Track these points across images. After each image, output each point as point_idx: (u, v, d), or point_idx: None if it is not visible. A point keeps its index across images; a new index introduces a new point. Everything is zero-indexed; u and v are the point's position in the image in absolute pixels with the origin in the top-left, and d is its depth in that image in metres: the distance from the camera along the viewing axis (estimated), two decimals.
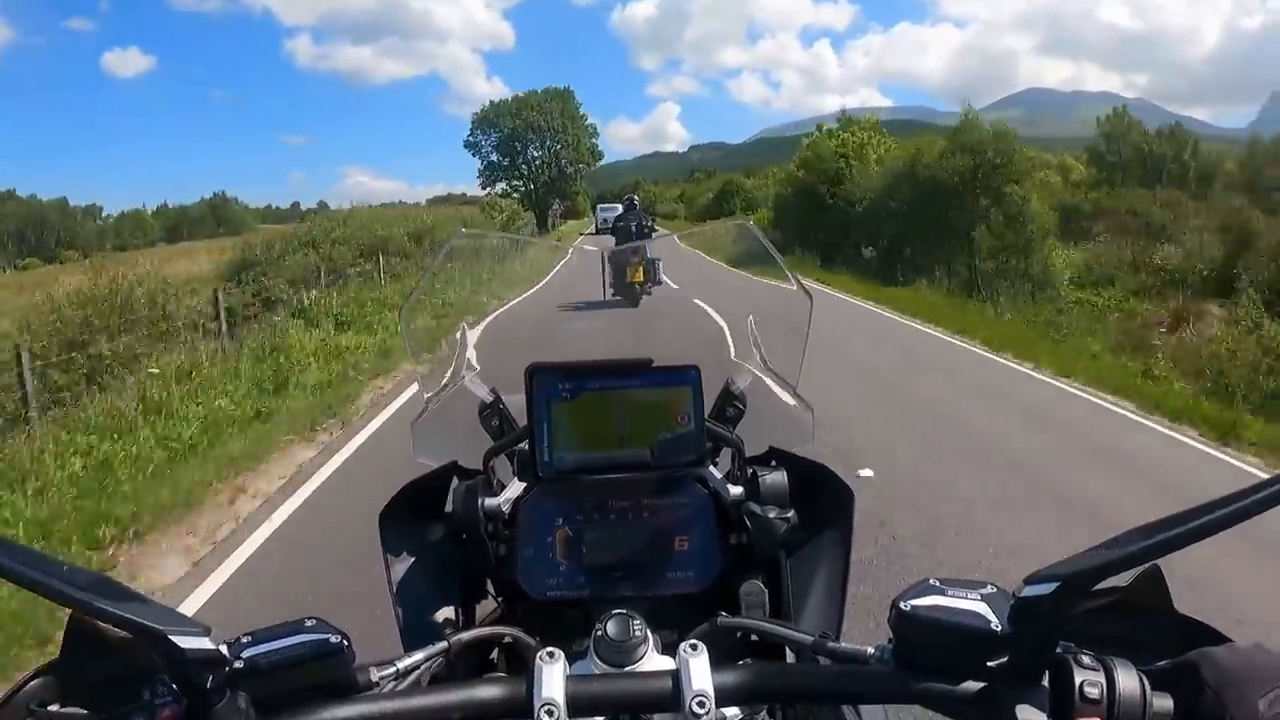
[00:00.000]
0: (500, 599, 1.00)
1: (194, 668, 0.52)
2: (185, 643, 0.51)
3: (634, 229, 11.57)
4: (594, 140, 76.32)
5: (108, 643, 0.57)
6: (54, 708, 0.58)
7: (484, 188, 73.67)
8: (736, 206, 51.70)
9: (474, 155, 75.60)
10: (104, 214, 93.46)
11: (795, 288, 1.17)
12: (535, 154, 74.71)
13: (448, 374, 1.19)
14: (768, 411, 1.12)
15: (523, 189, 72.83)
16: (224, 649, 0.54)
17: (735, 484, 0.97)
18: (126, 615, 0.50)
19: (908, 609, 0.57)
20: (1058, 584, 0.50)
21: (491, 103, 78.11)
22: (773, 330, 1.22)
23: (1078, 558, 0.51)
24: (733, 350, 1.24)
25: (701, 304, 1.65)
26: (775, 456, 1.01)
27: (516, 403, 1.04)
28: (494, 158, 75.22)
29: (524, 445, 0.99)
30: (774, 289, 1.19)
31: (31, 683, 0.58)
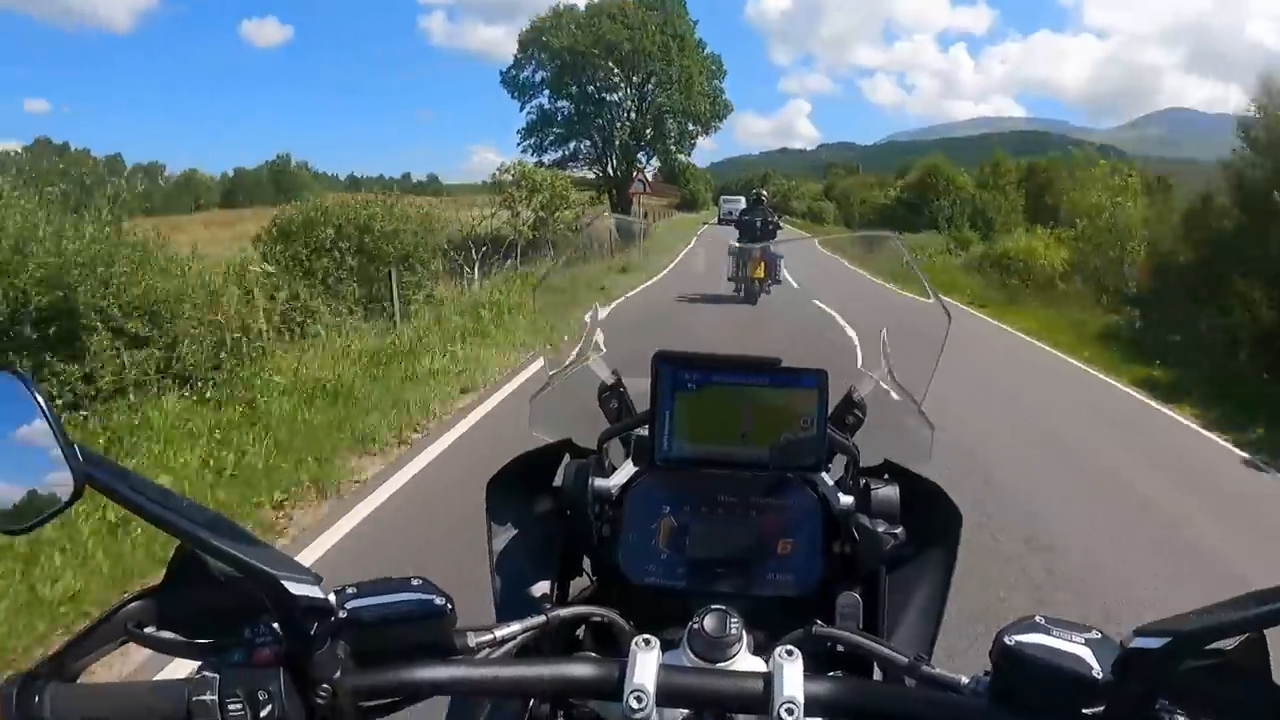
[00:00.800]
0: (594, 579, 1.01)
1: (301, 614, 0.54)
2: (296, 589, 0.53)
3: (758, 225, 11.30)
4: (718, 85, 46.75)
5: (210, 577, 0.58)
6: (150, 630, 0.60)
7: (531, 155, 43.33)
8: (953, 217, 33.26)
9: (514, 97, 44.86)
10: (165, 173, 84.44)
11: (934, 303, 1.15)
12: (614, 96, 45.62)
13: (574, 353, 1.21)
14: (887, 423, 1.11)
15: (592, 155, 45.96)
16: (332, 598, 0.56)
17: (846, 493, 0.96)
18: (242, 557, 0.52)
19: (1011, 643, 0.57)
20: (1169, 639, 0.50)
21: (554, 9, 45.93)
22: (905, 345, 1.20)
23: (1190, 615, 0.50)
24: (860, 358, 1.22)
25: (824, 307, 1.63)
26: (889, 470, 1.00)
27: (636, 387, 1.05)
28: (543, 101, 45.17)
29: (640, 431, 1.00)
30: (912, 303, 1.17)
31: (131, 604, 0.60)
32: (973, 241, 25.97)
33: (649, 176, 44.73)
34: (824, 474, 0.98)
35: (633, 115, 46.00)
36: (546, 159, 42.46)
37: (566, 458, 1.01)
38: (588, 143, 46.93)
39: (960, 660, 0.70)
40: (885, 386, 1.14)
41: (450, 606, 0.60)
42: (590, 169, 45.68)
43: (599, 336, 1.23)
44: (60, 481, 0.51)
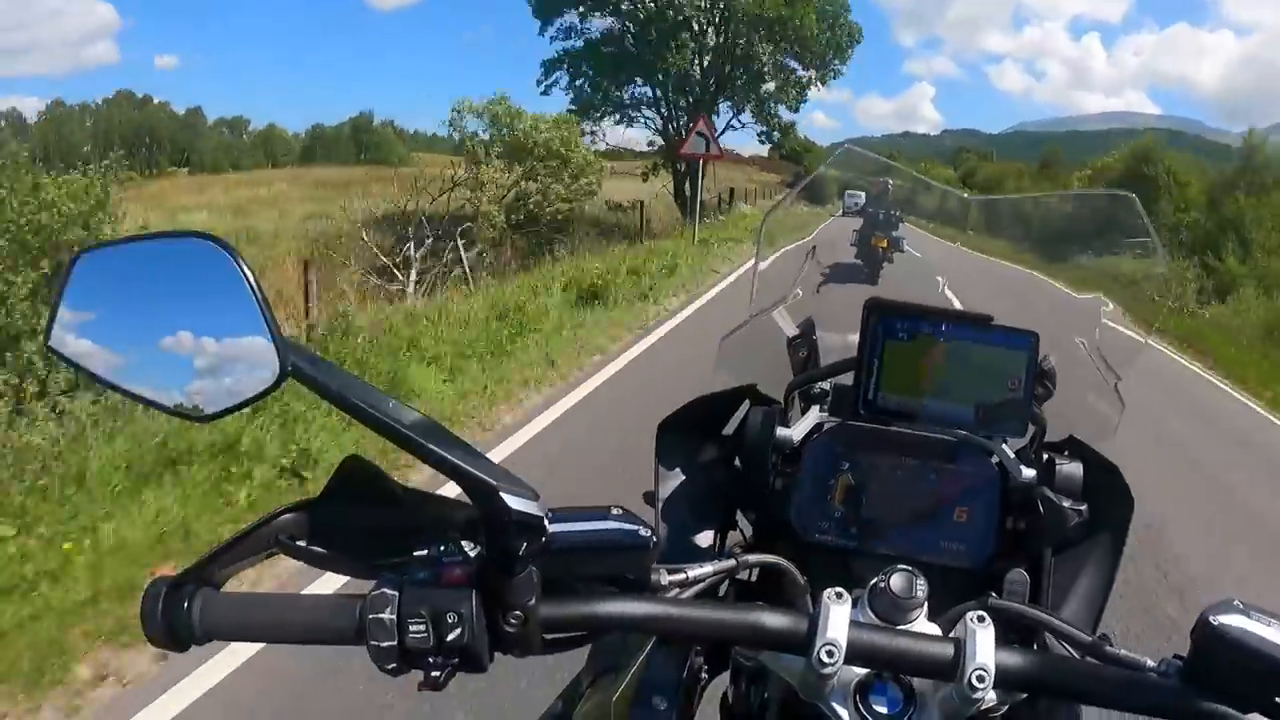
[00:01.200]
0: (748, 535, 1.00)
1: (515, 530, 0.51)
2: (514, 503, 0.51)
3: (881, 217, 10.85)
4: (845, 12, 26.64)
5: (377, 493, 0.56)
6: (303, 543, 0.58)
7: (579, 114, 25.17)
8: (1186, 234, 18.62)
9: (537, 14, 26.35)
10: (249, 128, 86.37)
11: (1159, 268, 1.10)
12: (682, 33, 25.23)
13: (774, 296, 1.19)
14: (1077, 397, 1.08)
15: (656, 107, 27.17)
16: (548, 518, 0.54)
17: (1029, 466, 0.93)
18: (458, 462, 0.50)
19: (1216, 624, 0.55)
20: None
21: None
22: (1113, 319, 1.16)
23: None
24: (1062, 327, 1.18)
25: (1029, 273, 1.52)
26: (1071, 446, 0.97)
27: (828, 339, 1.04)
28: (574, 20, 26.43)
29: (836, 381, 1.00)
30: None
31: (284, 515, 0.57)
32: (1238, 277, 15.64)
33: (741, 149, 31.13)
34: (1004, 445, 0.95)
35: (710, 40, 25.98)
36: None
37: (747, 404, 1.00)
38: (642, 87, 26.97)
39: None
40: (1090, 356, 1.11)
41: (653, 538, 0.59)
42: (647, 127, 27.63)
43: (800, 285, 1.21)
44: (261, 366, 0.49)
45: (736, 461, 0.95)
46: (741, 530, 1.00)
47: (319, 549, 0.58)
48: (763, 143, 30.41)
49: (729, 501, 0.98)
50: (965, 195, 1.86)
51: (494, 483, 0.51)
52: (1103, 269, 1.29)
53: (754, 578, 0.93)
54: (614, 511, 0.59)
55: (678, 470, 0.97)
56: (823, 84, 27.68)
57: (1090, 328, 1.14)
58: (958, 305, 1.45)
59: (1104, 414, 1.07)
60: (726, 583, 0.92)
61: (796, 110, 28.36)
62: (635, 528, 0.58)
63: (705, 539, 0.94)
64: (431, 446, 0.50)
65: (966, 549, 0.90)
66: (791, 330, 1.09)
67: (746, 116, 27.69)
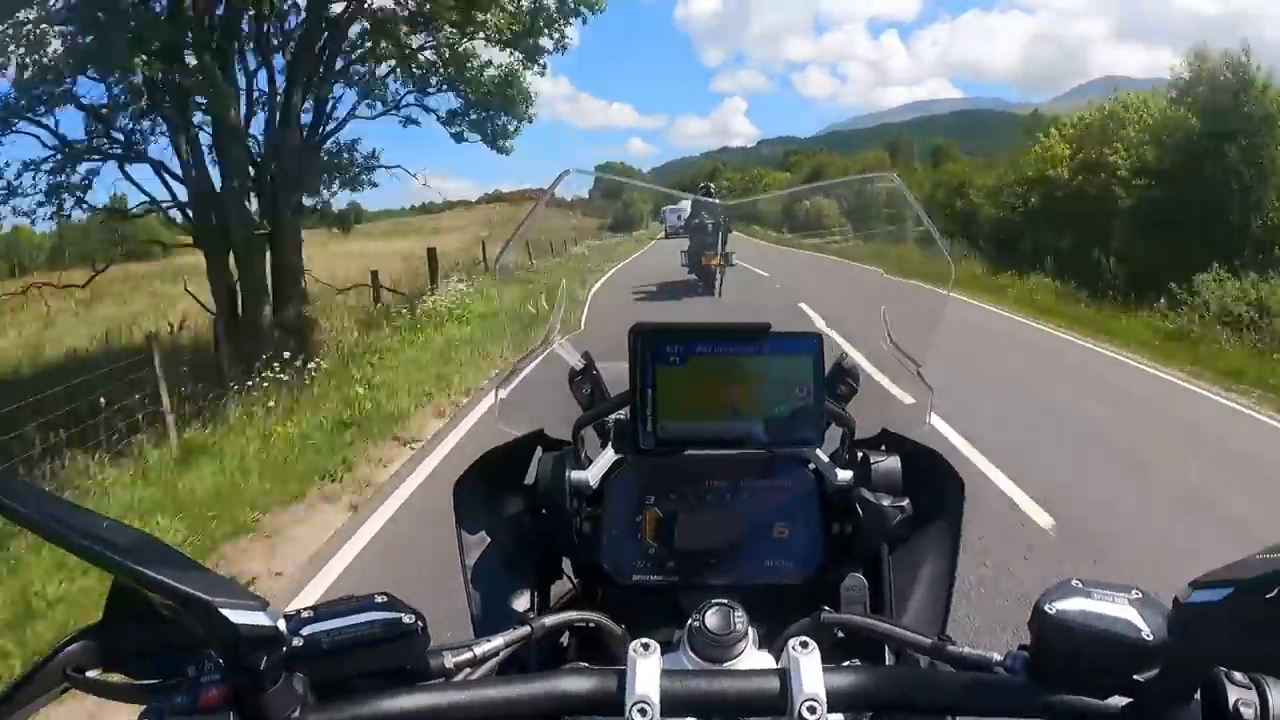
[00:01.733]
0: (576, 582, 0.95)
1: (246, 645, 0.47)
2: (237, 617, 0.47)
3: (710, 227, 9.99)
4: None
5: (154, 609, 0.51)
6: (93, 673, 0.55)
7: None
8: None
9: None
10: None
11: (941, 256, 1.08)
12: None
13: (540, 336, 1.13)
14: (882, 390, 1.06)
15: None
16: (281, 625, 0.50)
17: (844, 468, 0.91)
18: (171, 582, 0.46)
19: (1053, 612, 0.52)
20: (1231, 589, 0.46)
21: None
22: (902, 310, 1.15)
23: (1247, 563, 0.47)
24: (846, 326, 1.17)
25: (804, 307, 1.50)
26: (887, 440, 0.96)
27: (610, 370, 0.99)
28: None
29: (618, 416, 0.95)
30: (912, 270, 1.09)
31: (71, 646, 0.54)
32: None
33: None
34: (818, 450, 0.93)
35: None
36: None
37: (539, 451, 0.95)
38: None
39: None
40: (885, 348, 1.09)
41: (421, 624, 0.54)
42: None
43: (563, 317, 1.16)
44: None
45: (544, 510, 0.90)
46: (569, 578, 0.95)
47: (109, 677, 0.55)
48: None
49: (546, 552, 0.93)
50: (728, 202, 1.98)
51: (208, 599, 0.47)
52: (884, 248, 1.27)
53: (567, 639, 0.87)
54: (378, 599, 0.55)
55: (481, 530, 0.92)
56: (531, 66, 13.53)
57: (884, 324, 1.12)
58: (812, 314, 1.44)
59: (914, 401, 1.06)
60: (568, 639, 0.87)
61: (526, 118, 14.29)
62: (397, 615, 0.54)
63: (521, 601, 0.89)
64: (145, 570, 0.46)
65: (793, 565, 0.88)
66: (575, 364, 1.05)
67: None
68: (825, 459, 0.92)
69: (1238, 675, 0.49)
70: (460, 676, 0.59)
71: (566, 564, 0.96)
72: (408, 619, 0.54)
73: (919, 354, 1.06)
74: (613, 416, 0.97)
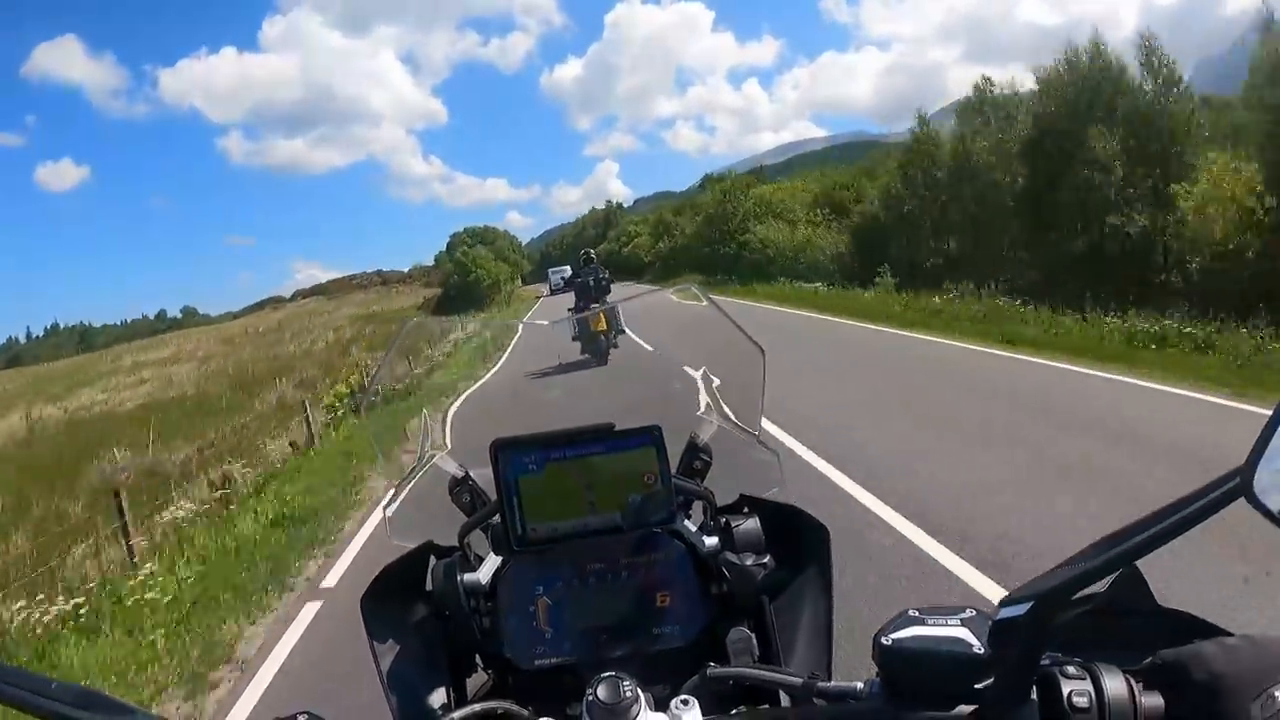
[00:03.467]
0: (490, 671, 0.99)
1: None
2: None
3: (591, 284, 11.61)
4: None
5: None
6: None
7: None
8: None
9: None
10: None
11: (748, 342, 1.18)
12: None
13: (415, 457, 1.19)
14: (734, 459, 1.14)
15: None
16: None
17: (710, 535, 0.98)
18: None
19: (889, 643, 0.58)
20: (1031, 603, 0.51)
21: None
22: (731, 381, 1.25)
23: (1049, 575, 0.52)
24: (702, 403, 1.25)
25: (664, 357, 1.64)
26: (747, 504, 1.03)
27: (486, 476, 1.04)
28: None
29: (497, 518, 1.00)
30: (730, 345, 1.21)
31: None
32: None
33: None
34: (685, 521, 1.00)
35: None
36: None
37: (432, 559, 1.00)
38: None
39: None
40: (722, 425, 1.16)
41: None
42: None
43: (435, 435, 1.23)
44: None
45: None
46: (483, 669, 0.99)
47: None
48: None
49: (455, 650, 0.97)
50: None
51: None
52: (708, 342, 1.37)
53: None
54: (300, 718, 0.60)
55: (390, 638, 0.95)
56: None
57: (710, 398, 1.22)
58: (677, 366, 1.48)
59: (765, 465, 1.13)
60: None
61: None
62: None
63: (438, 698, 0.92)
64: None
65: (679, 629, 0.93)
66: (454, 474, 1.11)
67: None
68: (692, 528, 0.99)
69: (1071, 668, 0.55)
70: None
71: (479, 657, 0.99)
72: None
73: (752, 421, 1.16)
74: (493, 520, 1.03)
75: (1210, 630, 0.56)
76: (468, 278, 52.80)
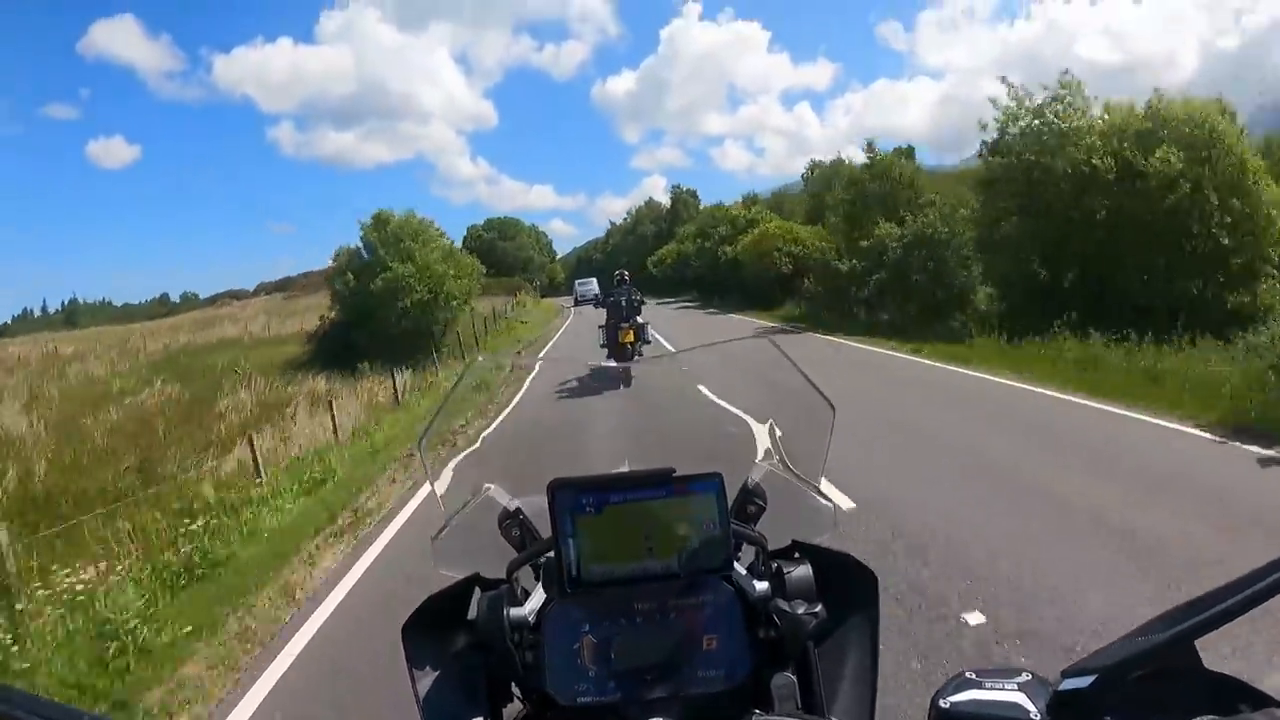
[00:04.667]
0: (527, 706, 0.99)
1: None
2: None
3: (624, 304, 11.57)
4: None
5: None
6: None
7: None
8: None
9: None
10: None
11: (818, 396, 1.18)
12: None
13: (469, 488, 1.20)
14: (789, 504, 1.13)
15: None
16: None
17: (760, 579, 0.98)
18: None
19: (947, 706, 0.57)
20: (1096, 676, 0.51)
21: None
22: (796, 433, 1.24)
23: (1113, 647, 0.52)
24: (761, 450, 1.23)
25: (709, 394, 1.63)
26: (799, 549, 1.02)
27: (536, 510, 1.03)
28: None
29: (548, 555, 0.99)
30: (797, 396, 1.21)
31: None
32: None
33: None
34: (736, 564, 0.99)
35: None
36: None
37: (477, 591, 0.99)
38: None
39: None
40: (781, 474, 1.16)
41: None
42: None
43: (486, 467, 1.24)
44: None
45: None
46: (521, 701, 0.99)
47: None
48: None
49: (497, 682, 0.97)
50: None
51: None
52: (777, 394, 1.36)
53: None
54: None
55: (429, 667, 0.95)
56: None
57: (774, 447, 1.21)
58: (709, 394, 1.54)
59: (817, 511, 1.12)
60: None
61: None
62: None
63: (475, 716, 0.93)
64: None
65: (724, 673, 0.92)
66: (506, 507, 1.12)
67: None
68: (743, 572, 0.98)
69: None
70: None
71: (518, 690, 0.99)
72: None
73: (814, 471, 1.15)
74: (543, 557, 1.02)
75: (1258, 697, 0.55)
76: (368, 289, 24.48)
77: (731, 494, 1.02)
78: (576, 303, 38.12)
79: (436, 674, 0.95)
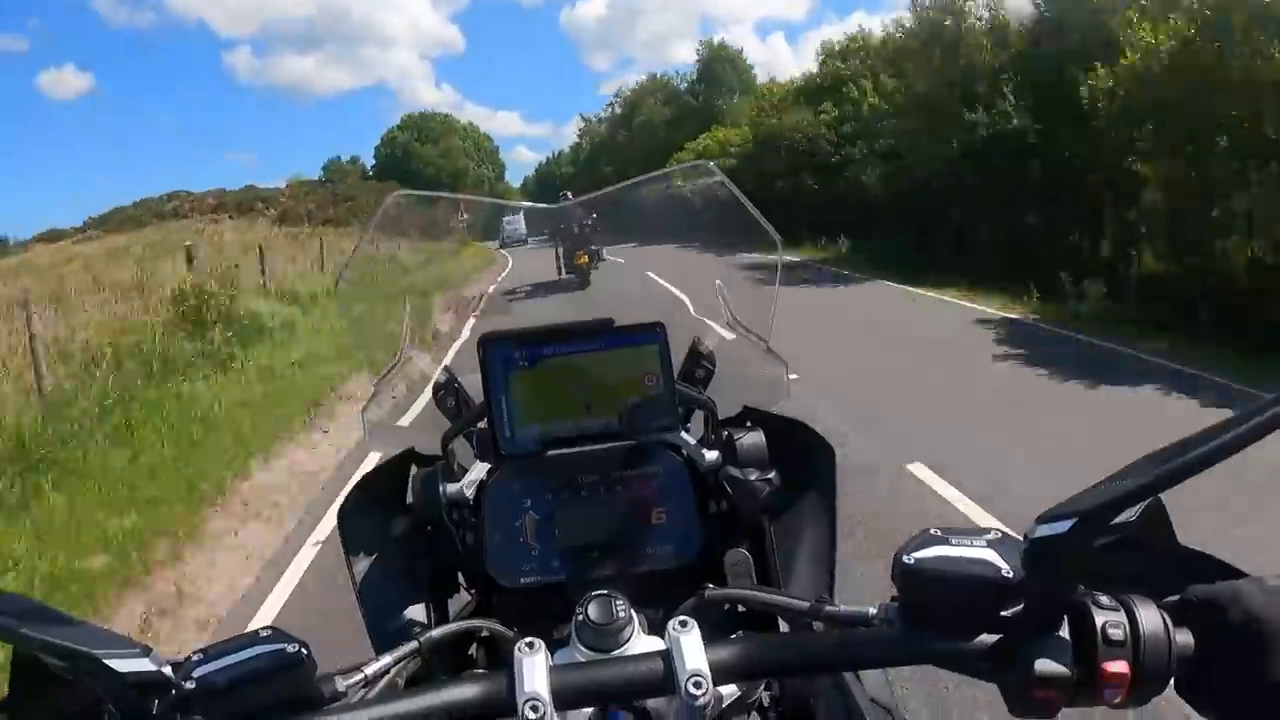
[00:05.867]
0: (473, 591, 0.95)
1: (134, 692, 0.49)
2: (121, 665, 0.48)
3: (576, 231, 10.53)
4: None
5: (57, 675, 0.52)
6: None
7: None
8: None
9: None
10: None
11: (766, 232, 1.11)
12: None
13: (396, 354, 1.13)
14: (739, 369, 1.09)
15: None
16: (168, 670, 0.50)
17: (710, 449, 0.94)
18: (52, 640, 0.47)
19: (911, 562, 0.54)
20: (1074, 520, 0.48)
21: None
22: (743, 285, 1.19)
23: (1089, 493, 0.49)
24: (691, 309, 1.19)
25: (655, 276, 1.58)
26: (750, 417, 0.98)
27: (473, 381, 0.98)
28: None
29: (484, 425, 0.94)
30: (744, 235, 1.15)
31: None
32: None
33: None
34: (684, 433, 0.94)
35: None
36: None
37: (413, 468, 0.95)
38: None
39: None
40: (727, 333, 1.12)
41: (306, 652, 0.54)
42: None
43: (422, 331, 1.17)
44: None
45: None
46: (465, 589, 0.96)
47: None
48: None
49: (437, 568, 0.93)
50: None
51: (91, 651, 0.48)
52: (718, 234, 1.29)
53: (475, 650, 0.90)
54: (262, 634, 0.55)
55: (368, 552, 0.91)
56: None
57: (722, 303, 1.16)
58: (672, 289, 1.46)
59: (770, 376, 1.08)
60: (476, 650, 0.89)
61: None
62: (281, 646, 0.54)
63: (416, 612, 0.89)
64: (25, 631, 0.46)
65: (674, 548, 0.89)
66: (437, 379, 1.06)
67: None
68: (692, 441, 0.94)
69: (1104, 599, 0.51)
70: (355, 699, 0.58)
71: (461, 575, 0.96)
72: (292, 648, 0.53)
73: (764, 329, 1.10)
74: (478, 426, 0.98)
75: (1229, 571, 0.53)
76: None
77: (679, 359, 0.98)
78: (503, 244, 32.74)
79: (376, 561, 0.91)
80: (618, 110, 52.38)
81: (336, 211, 36.21)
